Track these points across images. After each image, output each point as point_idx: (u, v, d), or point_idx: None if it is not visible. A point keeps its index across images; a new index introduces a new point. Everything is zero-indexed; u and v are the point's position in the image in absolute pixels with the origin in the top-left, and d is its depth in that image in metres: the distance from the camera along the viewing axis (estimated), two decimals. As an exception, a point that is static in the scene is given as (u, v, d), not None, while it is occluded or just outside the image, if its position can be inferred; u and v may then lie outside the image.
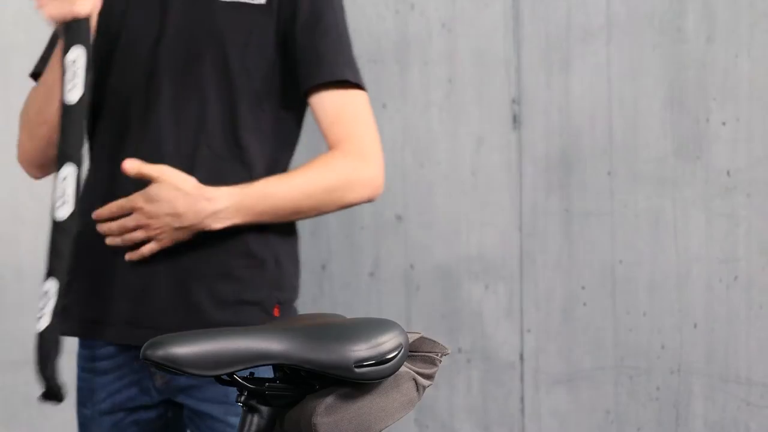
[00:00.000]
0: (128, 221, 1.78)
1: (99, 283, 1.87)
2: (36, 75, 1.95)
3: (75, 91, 1.69)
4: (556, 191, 3.12)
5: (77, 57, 1.68)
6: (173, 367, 1.30)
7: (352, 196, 1.87)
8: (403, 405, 1.47)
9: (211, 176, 1.81)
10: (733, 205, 2.66)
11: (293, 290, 1.92)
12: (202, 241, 1.81)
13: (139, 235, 1.78)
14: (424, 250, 3.33)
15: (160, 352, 1.30)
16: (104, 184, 1.86)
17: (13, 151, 3.11)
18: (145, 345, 1.32)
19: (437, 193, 3.35)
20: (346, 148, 1.86)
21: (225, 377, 1.36)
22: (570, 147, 3.07)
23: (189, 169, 1.80)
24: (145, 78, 1.84)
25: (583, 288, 3.05)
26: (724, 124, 2.68)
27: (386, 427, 1.45)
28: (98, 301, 1.87)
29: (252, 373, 1.41)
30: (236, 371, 1.34)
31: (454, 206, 3.39)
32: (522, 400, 3.24)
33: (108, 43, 1.85)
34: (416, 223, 3.40)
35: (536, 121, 3.18)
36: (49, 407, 3.12)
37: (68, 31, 1.69)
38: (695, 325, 2.76)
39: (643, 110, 2.88)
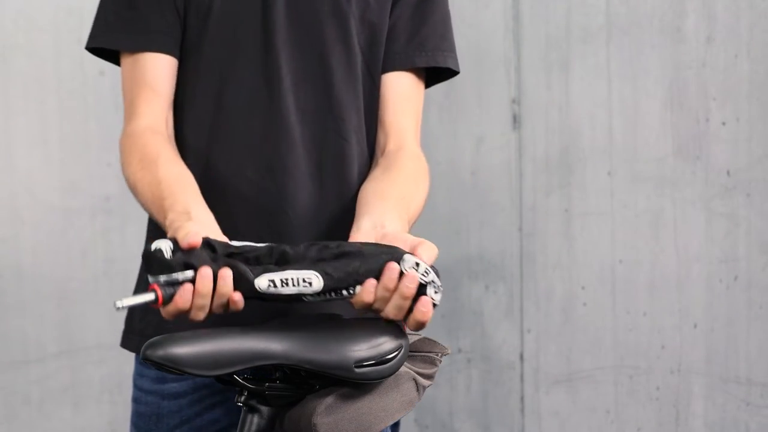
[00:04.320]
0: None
1: None
2: (93, 49, 1.70)
3: (261, 279, 1.38)
4: (556, 191, 3.12)
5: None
6: (173, 367, 1.30)
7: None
8: (403, 405, 1.47)
9: (337, 161, 1.66)
10: (733, 205, 2.66)
11: None
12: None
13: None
14: (424, 250, 3.33)
15: (160, 352, 1.30)
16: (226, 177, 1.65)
17: (12, 151, 3.13)
18: (145, 345, 1.31)
19: (437, 193, 3.35)
20: (417, 151, 1.71)
21: (225, 377, 1.36)
22: (570, 147, 3.07)
23: (318, 154, 1.65)
24: (261, 56, 1.65)
25: (583, 288, 3.05)
26: (724, 124, 2.68)
27: (386, 426, 1.45)
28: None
29: (252, 373, 1.41)
30: (236, 371, 1.34)
31: (454, 206, 3.40)
32: (522, 400, 3.24)
33: (203, 21, 1.67)
34: (416, 222, 3.40)
35: (536, 121, 3.18)
36: (49, 407, 3.13)
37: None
38: (695, 325, 2.76)
39: (643, 110, 2.88)
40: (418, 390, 1.49)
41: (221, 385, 1.42)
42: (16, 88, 3.09)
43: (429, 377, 1.52)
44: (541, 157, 3.15)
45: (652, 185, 2.85)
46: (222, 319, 1.55)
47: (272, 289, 1.36)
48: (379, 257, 1.39)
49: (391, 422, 1.45)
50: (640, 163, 2.88)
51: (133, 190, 1.59)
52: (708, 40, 2.71)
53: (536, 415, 3.19)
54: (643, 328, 2.88)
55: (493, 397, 3.33)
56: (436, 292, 1.41)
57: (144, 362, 1.33)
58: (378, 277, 1.39)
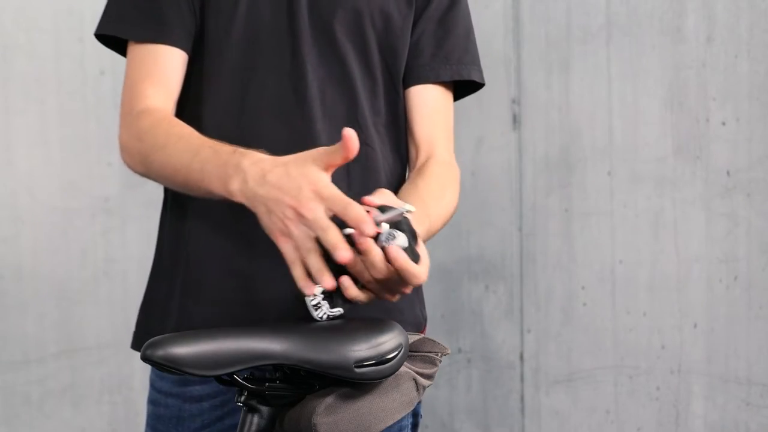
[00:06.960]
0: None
1: (214, 293, 1.60)
2: (102, 36, 1.65)
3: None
4: (556, 191, 3.12)
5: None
6: (173, 367, 1.30)
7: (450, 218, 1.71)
8: (403, 405, 1.47)
9: (364, 168, 1.64)
10: (733, 205, 2.66)
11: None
12: None
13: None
14: (424, 250, 3.33)
15: (160, 352, 1.30)
16: None
17: (12, 151, 3.13)
18: (144, 345, 1.31)
19: (437, 193, 3.35)
20: (447, 158, 1.71)
21: (225, 377, 1.36)
22: (570, 147, 3.07)
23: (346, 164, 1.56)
24: (288, 61, 1.62)
25: (583, 288, 3.05)
26: (724, 124, 2.68)
27: (386, 426, 1.45)
28: (209, 314, 1.60)
29: (252, 373, 1.41)
30: (236, 371, 1.34)
31: (454, 206, 3.39)
32: (522, 400, 3.24)
33: (227, 28, 1.63)
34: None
35: (536, 121, 3.18)
36: (50, 407, 3.13)
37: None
38: (695, 325, 2.76)
39: (643, 110, 2.88)
40: (418, 390, 1.49)
41: (222, 385, 1.42)
42: (16, 88, 3.10)
43: (429, 377, 1.52)
44: (541, 157, 3.15)
45: (652, 185, 2.85)
46: (221, 320, 1.56)
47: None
48: None
49: (391, 422, 1.45)
50: (640, 163, 2.88)
51: (165, 143, 1.53)
52: (708, 40, 2.71)
53: (536, 415, 3.19)
54: (643, 328, 2.88)
55: (493, 397, 3.33)
56: (390, 238, 1.35)
57: (144, 362, 1.32)
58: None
